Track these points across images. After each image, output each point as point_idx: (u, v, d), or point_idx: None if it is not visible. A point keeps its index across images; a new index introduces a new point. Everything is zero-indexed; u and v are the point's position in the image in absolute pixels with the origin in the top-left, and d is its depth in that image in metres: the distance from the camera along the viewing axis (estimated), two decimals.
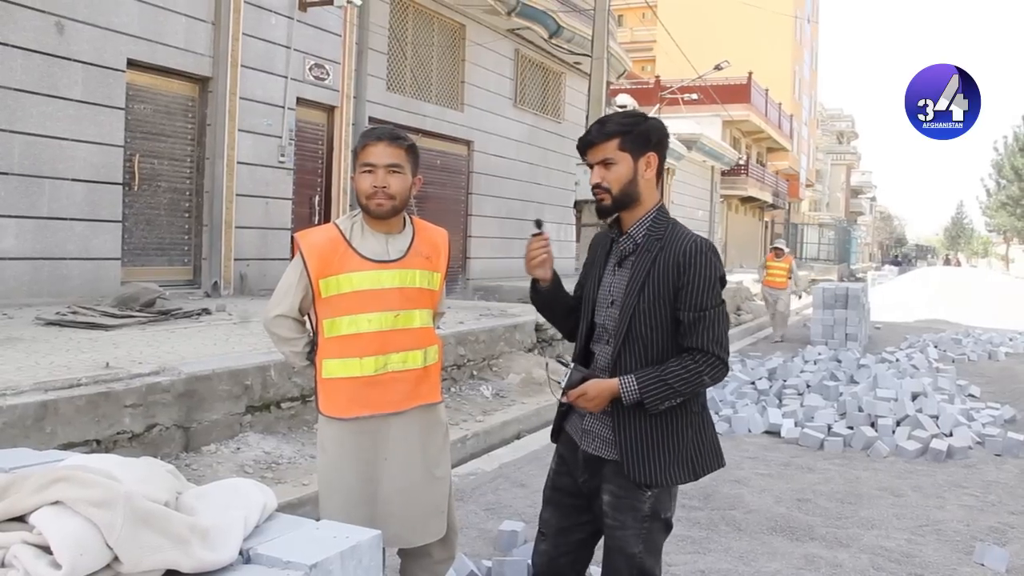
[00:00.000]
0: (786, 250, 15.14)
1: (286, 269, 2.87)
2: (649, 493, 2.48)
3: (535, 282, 2.70)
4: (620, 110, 3.01)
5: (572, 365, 2.55)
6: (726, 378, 9.36)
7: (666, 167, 24.08)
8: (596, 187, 2.52)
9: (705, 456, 2.54)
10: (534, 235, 2.61)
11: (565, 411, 2.69)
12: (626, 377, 2.44)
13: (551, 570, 2.68)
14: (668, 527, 2.56)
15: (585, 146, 2.56)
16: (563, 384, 2.51)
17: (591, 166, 2.55)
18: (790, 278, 15.04)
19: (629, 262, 2.53)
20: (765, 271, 15.39)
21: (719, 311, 2.45)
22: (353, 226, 2.80)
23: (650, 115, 2.66)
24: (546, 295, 2.72)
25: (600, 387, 2.45)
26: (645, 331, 2.46)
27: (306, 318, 2.87)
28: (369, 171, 2.73)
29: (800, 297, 15.59)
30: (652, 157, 2.52)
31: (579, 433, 2.63)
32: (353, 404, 2.74)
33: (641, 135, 2.51)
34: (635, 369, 2.46)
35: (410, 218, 2.91)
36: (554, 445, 2.77)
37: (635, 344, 2.47)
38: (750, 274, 26.11)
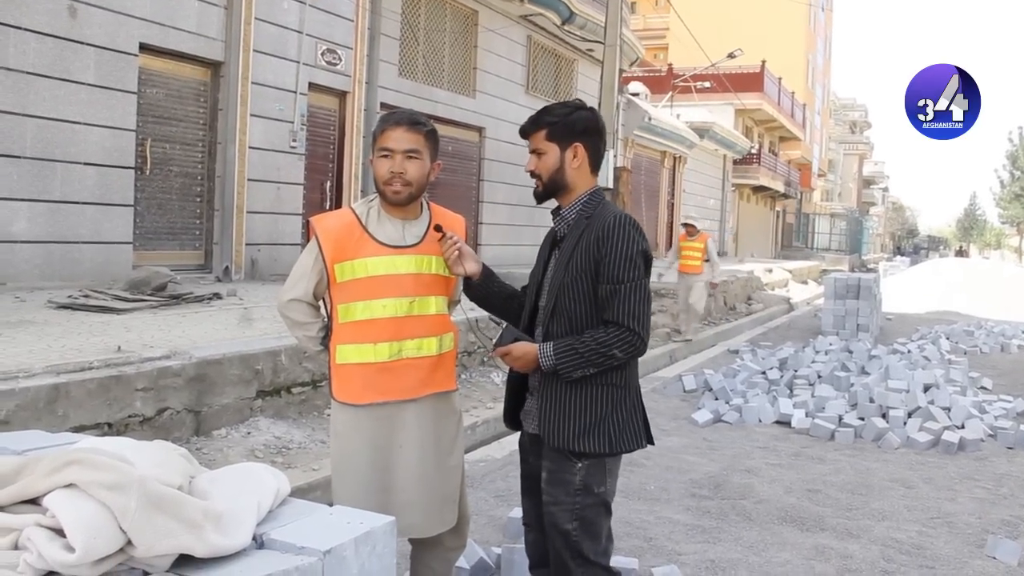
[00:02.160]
0: (700, 227, 12.19)
1: (301, 253, 2.85)
2: (580, 464, 2.54)
3: (468, 278, 2.80)
4: (564, 101, 3.02)
5: (505, 324, 2.71)
6: (736, 367, 9.30)
7: (678, 155, 23.92)
8: (531, 174, 2.69)
9: (625, 432, 2.57)
10: (439, 240, 2.73)
11: (513, 394, 2.77)
12: (546, 344, 2.56)
13: (543, 557, 2.71)
14: (604, 506, 2.59)
15: (522, 135, 2.71)
16: (494, 340, 2.67)
17: (530, 152, 2.70)
18: (706, 261, 12.12)
19: (562, 243, 2.66)
20: (679, 253, 12.47)
21: (636, 285, 2.50)
22: (369, 211, 2.77)
23: (587, 106, 2.73)
24: (477, 289, 2.82)
25: (525, 348, 2.58)
26: (570, 304, 2.57)
27: (320, 303, 2.84)
28: (387, 156, 2.69)
29: (715, 286, 12.68)
30: (578, 147, 2.63)
31: (525, 416, 2.75)
32: (367, 390, 2.71)
33: (567, 126, 2.63)
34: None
35: (427, 203, 2.87)
36: None
37: (561, 317, 2.58)
38: (762, 263, 26.04)
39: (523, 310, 2.77)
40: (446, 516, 2.82)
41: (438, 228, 2.71)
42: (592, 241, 2.53)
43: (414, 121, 2.73)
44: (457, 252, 2.69)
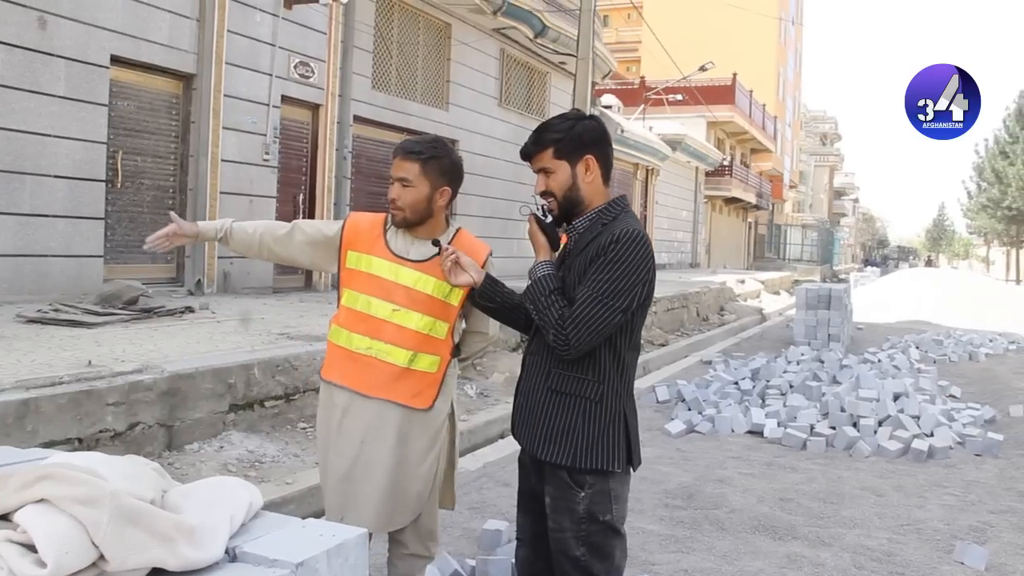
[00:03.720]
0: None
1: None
2: (582, 493, 2.45)
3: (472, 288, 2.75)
4: (561, 113, 2.89)
5: (551, 218, 2.61)
6: (709, 377, 9.33)
7: (650, 167, 24.02)
8: (542, 195, 2.57)
9: (594, 448, 2.45)
10: (436, 254, 2.76)
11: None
12: (546, 264, 2.53)
13: (533, 574, 2.69)
14: (614, 531, 2.50)
15: (524, 157, 2.59)
16: (538, 213, 2.62)
17: (536, 172, 2.58)
18: None
19: (569, 255, 2.56)
20: None
21: (607, 308, 2.35)
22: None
23: (587, 114, 2.63)
24: (480, 298, 2.75)
25: (544, 246, 2.58)
26: None
27: (294, 245, 3.04)
28: (391, 182, 2.89)
29: None
30: (590, 160, 2.50)
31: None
32: (334, 370, 2.96)
33: (574, 140, 2.49)
34: (551, 351, 2.48)
35: (456, 229, 3.00)
36: None
37: None
38: (734, 274, 26.22)
39: (531, 322, 2.64)
40: (397, 518, 2.93)
41: (435, 242, 2.78)
42: (595, 249, 2.41)
43: (407, 150, 2.88)
44: (450, 264, 2.67)
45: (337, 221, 3.03)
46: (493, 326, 3.09)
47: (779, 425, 6.97)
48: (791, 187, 58.83)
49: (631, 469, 2.56)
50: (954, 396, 8.95)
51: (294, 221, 3.08)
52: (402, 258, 2.89)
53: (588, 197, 2.52)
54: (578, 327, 2.37)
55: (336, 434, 2.91)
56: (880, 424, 6.91)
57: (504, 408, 7.64)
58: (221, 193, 10.32)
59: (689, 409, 7.60)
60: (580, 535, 2.46)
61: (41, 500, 1.40)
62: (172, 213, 3.05)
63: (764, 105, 43.48)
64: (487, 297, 2.72)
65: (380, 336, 2.86)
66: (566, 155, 2.50)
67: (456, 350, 3.03)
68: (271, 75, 11.10)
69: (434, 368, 2.93)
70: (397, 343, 2.86)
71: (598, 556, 2.47)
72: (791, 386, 8.51)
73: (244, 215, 10.64)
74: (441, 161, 2.89)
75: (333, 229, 2.99)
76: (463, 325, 3.07)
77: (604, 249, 2.39)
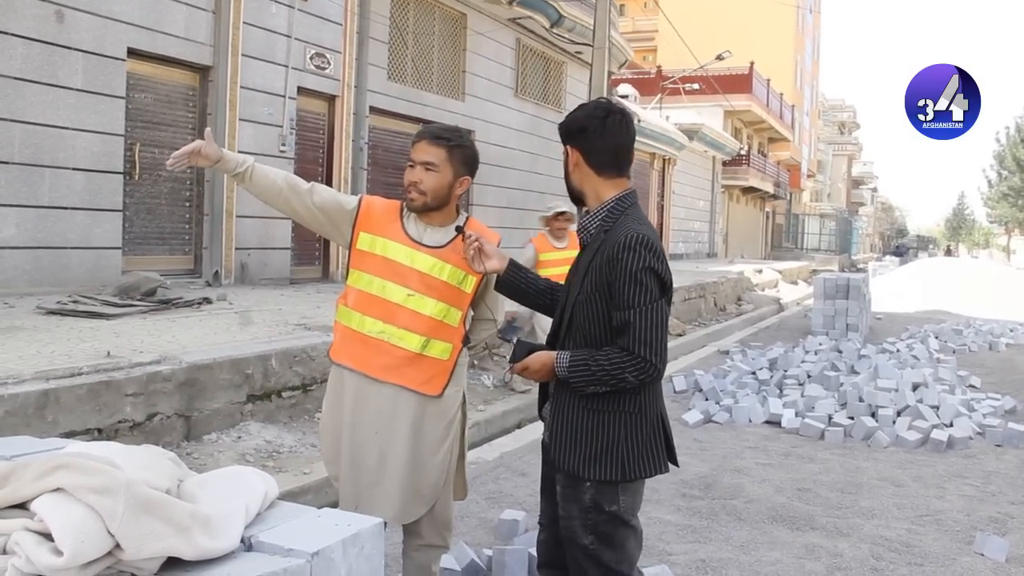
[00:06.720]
0: (573, 225, 7.05)
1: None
2: (588, 483, 2.46)
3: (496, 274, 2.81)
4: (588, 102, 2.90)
5: (514, 339, 2.69)
6: (726, 367, 9.27)
7: (667, 157, 23.86)
8: None
9: (641, 457, 2.46)
10: (452, 240, 2.84)
11: (545, 387, 2.71)
12: (563, 352, 2.48)
13: (551, 559, 2.70)
14: (622, 522, 2.49)
15: None
16: (509, 357, 2.64)
17: None
18: None
19: (583, 253, 2.57)
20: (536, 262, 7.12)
21: (647, 309, 2.36)
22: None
23: (592, 104, 2.62)
24: (505, 285, 2.81)
25: (542, 360, 2.52)
26: (584, 322, 2.47)
27: (301, 201, 2.96)
28: (411, 166, 2.89)
29: None
30: (570, 150, 2.56)
31: (545, 418, 2.68)
32: (344, 352, 2.95)
33: (561, 129, 2.58)
34: None
35: (466, 218, 3.01)
36: None
37: (577, 334, 2.50)
38: (752, 264, 26.11)
39: (557, 304, 2.68)
40: (412, 510, 2.93)
41: (459, 229, 2.83)
42: (604, 261, 2.41)
43: (436, 136, 2.90)
44: (473, 251, 2.72)
45: (353, 196, 3.03)
46: (500, 314, 3.13)
47: (797, 415, 6.94)
48: (809, 176, 58.49)
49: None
50: (974, 386, 8.88)
51: (312, 182, 3.05)
52: (418, 243, 2.89)
53: (579, 185, 2.58)
54: (647, 343, 2.36)
55: (348, 424, 2.90)
56: (899, 414, 6.86)
57: (520, 399, 7.65)
58: (238, 184, 10.34)
59: (706, 399, 7.58)
60: (587, 524, 2.47)
61: (58, 489, 1.41)
62: (207, 130, 3.00)
63: (781, 94, 43.21)
64: (512, 283, 2.78)
65: (393, 320, 2.86)
66: (563, 141, 2.59)
67: (465, 338, 3.03)
68: (287, 66, 11.12)
69: (446, 355, 2.93)
70: (411, 328, 2.86)
71: (608, 545, 2.48)
72: (809, 376, 8.46)
73: (261, 206, 10.63)
74: (465, 150, 2.93)
75: (350, 203, 2.98)
76: (471, 313, 3.07)
77: (615, 259, 2.39)
